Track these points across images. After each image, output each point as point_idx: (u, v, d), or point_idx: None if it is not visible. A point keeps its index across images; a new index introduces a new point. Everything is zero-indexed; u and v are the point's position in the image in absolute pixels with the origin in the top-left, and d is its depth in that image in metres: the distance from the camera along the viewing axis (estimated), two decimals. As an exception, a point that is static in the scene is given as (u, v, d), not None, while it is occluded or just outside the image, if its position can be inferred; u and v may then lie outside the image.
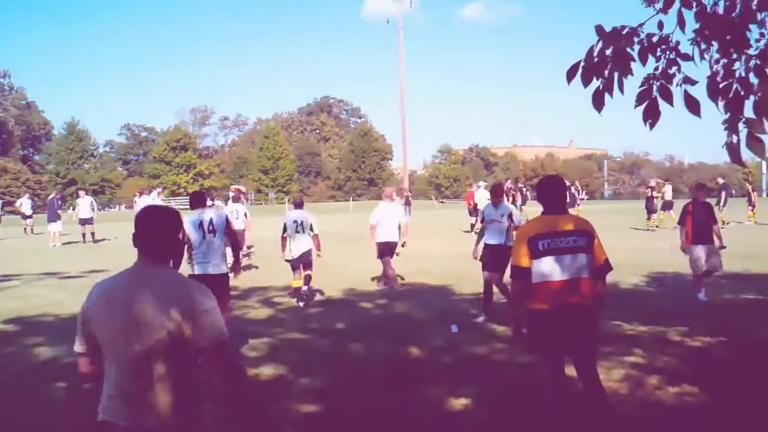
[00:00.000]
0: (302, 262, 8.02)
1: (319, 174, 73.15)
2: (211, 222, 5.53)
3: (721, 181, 19.44)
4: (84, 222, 18.01)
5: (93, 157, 60.87)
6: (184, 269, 5.59)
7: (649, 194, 18.00)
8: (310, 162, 73.05)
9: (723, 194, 18.18)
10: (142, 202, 17.60)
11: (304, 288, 7.92)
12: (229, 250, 6.03)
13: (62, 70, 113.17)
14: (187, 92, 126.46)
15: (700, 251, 7.44)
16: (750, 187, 20.75)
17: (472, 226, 18.68)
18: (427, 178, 69.08)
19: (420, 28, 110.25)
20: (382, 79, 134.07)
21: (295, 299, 8.01)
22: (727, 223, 17.41)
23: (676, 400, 4.09)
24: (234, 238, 5.85)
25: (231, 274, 5.96)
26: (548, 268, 3.26)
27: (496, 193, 6.91)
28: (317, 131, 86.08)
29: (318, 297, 8.42)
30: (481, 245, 6.90)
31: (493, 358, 5.31)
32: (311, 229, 8.07)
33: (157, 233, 2.09)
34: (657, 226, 17.81)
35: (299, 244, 8.02)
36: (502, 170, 71.73)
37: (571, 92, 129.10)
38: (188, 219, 5.48)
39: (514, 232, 6.38)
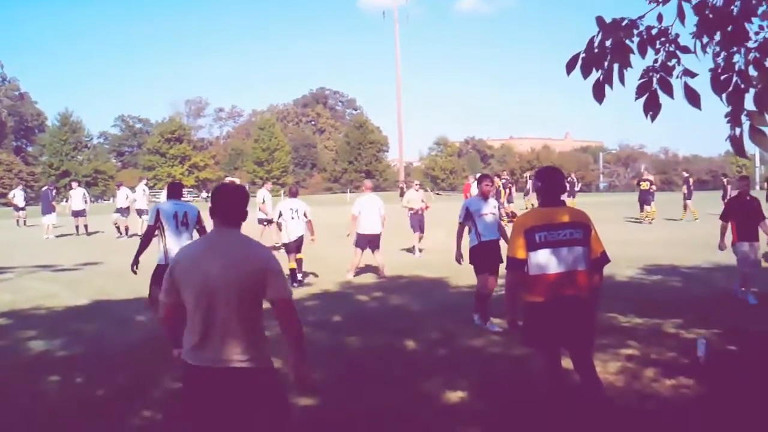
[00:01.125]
0: (296, 246, 8.78)
1: (315, 166, 72.96)
2: (185, 215, 5.66)
3: (685, 174, 19.91)
4: (77, 214, 17.87)
5: (87, 148, 60.42)
6: (152, 254, 5.63)
7: (647, 187, 18.13)
8: (306, 154, 72.83)
9: (684, 187, 18.93)
10: (122, 194, 17.38)
11: (299, 276, 8.79)
12: None
13: (56, 60, 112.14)
14: (182, 84, 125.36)
15: (746, 247, 6.89)
16: (725, 180, 20.67)
17: None
18: (423, 170, 68.91)
19: (416, 19, 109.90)
20: (378, 71, 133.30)
21: (290, 281, 8.47)
22: (692, 216, 18.03)
23: (671, 392, 4.10)
24: (205, 233, 5.95)
25: None
26: (545, 260, 3.24)
27: (488, 183, 6.29)
28: (313, 123, 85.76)
29: (312, 286, 8.71)
30: (467, 246, 6.18)
31: (489, 350, 5.31)
32: (305, 215, 8.79)
33: (233, 204, 2.51)
34: (653, 219, 17.93)
35: (294, 230, 8.75)
36: (498, 162, 71.65)
37: (567, 84, 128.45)
38: (164, 208, 5.65)
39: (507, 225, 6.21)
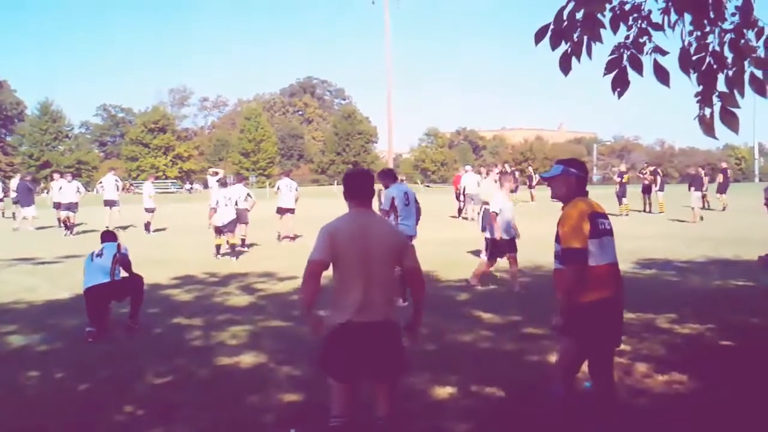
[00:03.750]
0: (226, 229, 10.65)
1: (301, 157, 72.36)
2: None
3: (652, 168, 20.25)
4: (59, 206, 17.44)
5: (68, 138, 59.26)
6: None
7: (628, 180, 18.53)
8: (293, 144, 72.20)
9: (658, 178, 19.45)
10: (72, 188, 16.22)
11: (238, 248, 10.80)
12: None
13: (35, 47, 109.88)
14: (166, 72, 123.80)
15: None
16: (702, 172, 20.63)
17: (460, 210, 18.61)
18: (413, 161, 68.54)
19: (407, 7, 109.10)
20: (367, 59, 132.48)
21: (215, 254, 10.73)
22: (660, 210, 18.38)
23: (664, 388, 4.06)
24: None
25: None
26: (602, 250, 3.03)
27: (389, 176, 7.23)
28: (300, 113, 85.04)
29: (299, 281, 8.77)
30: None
31: (478, 346, 5.24)
32: (236, 204, 10.84)
33: (367, 188, 3.00)
34: (629, 213, 18.07)
35: (226, 215, 10.58)
36: (490, 154, 71.65)
37: (560, 74, 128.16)
38: None
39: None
